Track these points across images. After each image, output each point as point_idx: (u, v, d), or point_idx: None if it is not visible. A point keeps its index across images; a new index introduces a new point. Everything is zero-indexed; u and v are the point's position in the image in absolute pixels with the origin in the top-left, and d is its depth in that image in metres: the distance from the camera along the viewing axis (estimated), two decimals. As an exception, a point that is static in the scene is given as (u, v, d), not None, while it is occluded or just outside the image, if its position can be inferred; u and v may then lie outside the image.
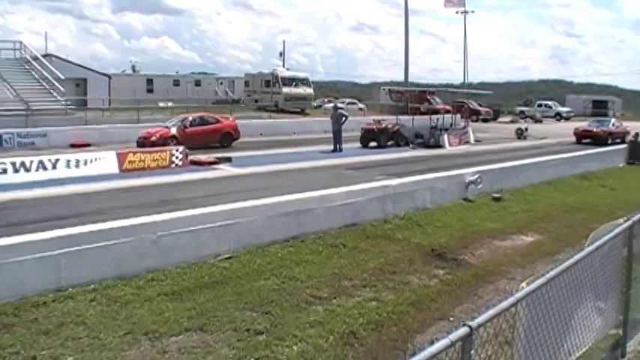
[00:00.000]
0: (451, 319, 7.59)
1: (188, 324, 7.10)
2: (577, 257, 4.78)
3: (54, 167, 18.01)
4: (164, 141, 23.86)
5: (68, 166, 18.33)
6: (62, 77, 34.73)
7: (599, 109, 61.06)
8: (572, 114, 59.68)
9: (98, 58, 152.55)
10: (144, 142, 23.91)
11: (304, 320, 7.36)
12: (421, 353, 2.82)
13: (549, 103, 64.04)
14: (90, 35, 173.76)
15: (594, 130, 33.66)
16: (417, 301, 8.14)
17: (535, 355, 4.46)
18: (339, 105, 33.53)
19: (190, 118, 26.85)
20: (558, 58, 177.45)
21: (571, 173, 19.69)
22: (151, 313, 7.37)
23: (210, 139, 26.29)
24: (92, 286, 8.04)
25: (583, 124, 36.48)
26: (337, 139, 26.69)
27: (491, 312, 3.45)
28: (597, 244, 5.25)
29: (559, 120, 57.54)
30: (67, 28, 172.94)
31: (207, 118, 28.00)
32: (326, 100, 64.01)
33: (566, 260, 4.65)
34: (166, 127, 25.59)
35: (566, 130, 37.38)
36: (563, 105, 64.45)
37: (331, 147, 26.58)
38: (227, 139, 27.44)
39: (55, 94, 33.83)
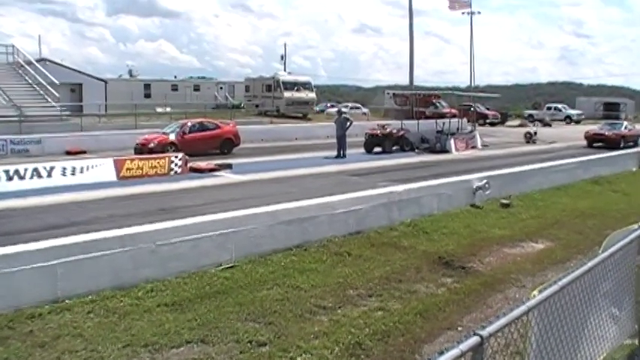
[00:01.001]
0: (460, 328, 7.42)
1: (189, 335, 6.92)
2: (590, 264, 4.66)
3: (49, 175, 17.73)
4: (162, 148, 23.54)
5: (64, 173, 18.03)
6: (57, 82, 34.43)
7: (611, 111, 60.73)
8: (582, 117, 59.26)
9: (93, 62, 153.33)
10: (142, 149, 23.60)
11: (308, 331, 7.17)
12: (431, 363, 2.75)
13: (559, 105, 63.52)
14: (84, 39, 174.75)
15: (606, 133, 33.43)
16: (425, 311, 7.95)
17: (548, 366, 4.30)
18: (344, 110, 33.35)
19: (189, 124, 26.54)
20: (567, 60, 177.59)
21: (582, 178, 19.40)
22: (150, 325, 7.19)
23: (210, 145, 25.98)
24: (89, 297, 7.85)
25: (594, 127, 36.09)
26: (341, 144, 26.46)
27: (503, 321, 3.37)
28: (611, 250, 5.11)
29: (569, 123, 57.37)
30: (61, 31, 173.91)
31: (206, 123, 27.61)
32: (329, 104, 63.82)
33: (579, 267, 4.51)
34: (165, 134, 25.36)
35: (577, 133, 37.25)
36: (573, 108, 64.07)
37: (335, 153, 26.40)
38: (227, 145, 27.09)
39: (49, 99, 33.51)
